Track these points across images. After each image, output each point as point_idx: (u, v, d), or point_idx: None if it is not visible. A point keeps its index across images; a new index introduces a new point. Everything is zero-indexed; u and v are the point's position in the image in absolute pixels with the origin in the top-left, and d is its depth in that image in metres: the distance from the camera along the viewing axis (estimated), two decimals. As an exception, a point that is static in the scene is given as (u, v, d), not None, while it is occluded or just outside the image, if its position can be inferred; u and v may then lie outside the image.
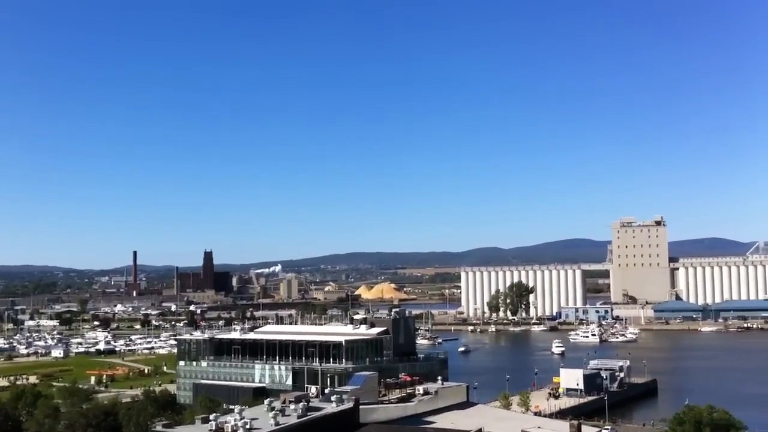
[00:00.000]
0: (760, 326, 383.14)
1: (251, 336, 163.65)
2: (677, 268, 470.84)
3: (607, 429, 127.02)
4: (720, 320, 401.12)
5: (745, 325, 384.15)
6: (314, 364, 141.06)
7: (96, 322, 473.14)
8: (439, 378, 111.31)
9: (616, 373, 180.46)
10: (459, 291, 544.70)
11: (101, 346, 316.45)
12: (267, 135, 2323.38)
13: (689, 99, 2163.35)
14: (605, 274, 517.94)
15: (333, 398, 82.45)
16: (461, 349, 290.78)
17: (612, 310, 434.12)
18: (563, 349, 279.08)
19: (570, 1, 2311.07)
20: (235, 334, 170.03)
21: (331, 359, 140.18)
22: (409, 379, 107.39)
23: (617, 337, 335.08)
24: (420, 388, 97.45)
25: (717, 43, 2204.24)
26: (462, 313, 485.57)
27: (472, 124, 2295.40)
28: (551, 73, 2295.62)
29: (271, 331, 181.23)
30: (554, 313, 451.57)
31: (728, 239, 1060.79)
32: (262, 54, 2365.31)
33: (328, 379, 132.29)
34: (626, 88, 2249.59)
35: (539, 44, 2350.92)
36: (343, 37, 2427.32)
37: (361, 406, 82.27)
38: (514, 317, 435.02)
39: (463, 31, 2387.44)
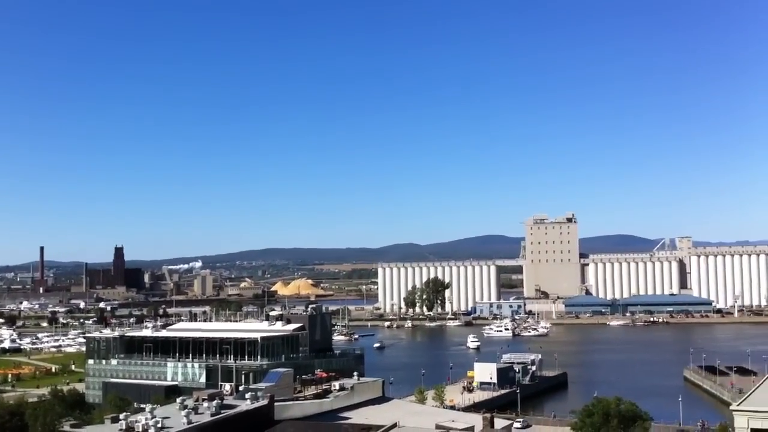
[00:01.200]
0: (665, 320, 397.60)
1: (163, 333, 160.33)
2: (587, 264, 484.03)
3: (519, 421, 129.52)
4: (628, 314, 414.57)
5: (651, 319, 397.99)
6: (229, 361, 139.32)
7: (1, 320, 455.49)
8: (355, 374, 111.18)
9: (528, 367, 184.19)
10: (376, 287, 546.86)
11: (6, 345, 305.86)
12: (177, 129, 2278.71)
13: (597, 98, 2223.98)
14: (519, 269, 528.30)
15: (247, 396, 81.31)
16: (376, 345, 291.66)
17: (525, 304, 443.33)
18: (479, 343, 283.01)
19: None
20: (147, 332, 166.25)
21: (246, 356, 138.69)
22: (325, 375, 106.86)
23: (530, 332, 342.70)
24: (336, 384, 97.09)
25: (620, 43, 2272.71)
26: (379, 308, 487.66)
27: (382, 121, 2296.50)
28: (460, 72, 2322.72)
29: (184, 329, 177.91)
30: (469, 308, 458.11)
31: (636, 236, 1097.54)
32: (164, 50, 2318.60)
33: (243, 377, 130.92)
34: (536, 87, 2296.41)
35: (446, 42, 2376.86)
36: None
37: (276, 403, 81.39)
38: (430, 312, 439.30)
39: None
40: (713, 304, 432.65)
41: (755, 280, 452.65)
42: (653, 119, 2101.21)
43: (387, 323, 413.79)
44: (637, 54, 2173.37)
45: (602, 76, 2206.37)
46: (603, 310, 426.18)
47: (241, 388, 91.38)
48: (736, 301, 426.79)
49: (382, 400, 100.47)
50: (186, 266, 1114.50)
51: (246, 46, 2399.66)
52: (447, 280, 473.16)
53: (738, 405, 52.65)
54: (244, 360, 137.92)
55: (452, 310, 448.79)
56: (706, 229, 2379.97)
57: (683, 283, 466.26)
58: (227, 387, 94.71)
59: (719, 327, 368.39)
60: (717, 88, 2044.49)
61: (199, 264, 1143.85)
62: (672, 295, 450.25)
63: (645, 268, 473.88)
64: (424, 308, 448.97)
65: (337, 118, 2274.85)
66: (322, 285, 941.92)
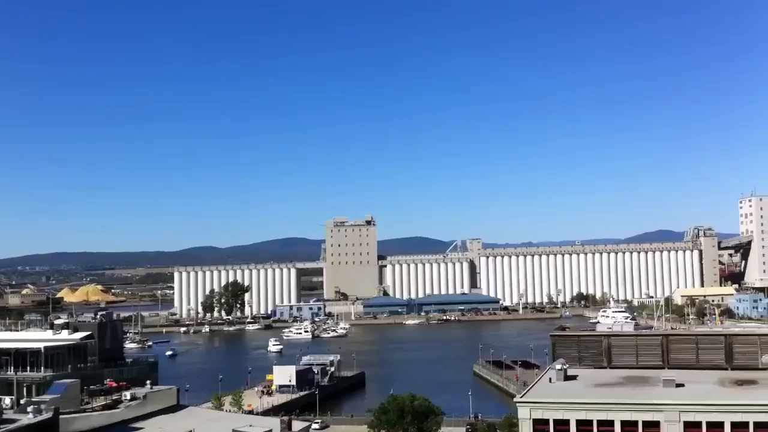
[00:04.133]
0: (457, 318, 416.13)
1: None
2: (385, 266, 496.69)
3: (318, 422, 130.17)
4: (423, 313, 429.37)
5: (444, 318, 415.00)
6: (8, 373, 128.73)
7: None
8: (148, 382, 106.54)
9: (327, 368, 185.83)
10: (172, 292, 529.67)
11: None
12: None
13: (392, 103, 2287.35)
14: (319, 271, 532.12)
15: (30, 409, 75.40)
16: (169, 352, 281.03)
17: (325, 306, 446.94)
18: (281, 347, 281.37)
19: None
20: None
21: (28, 367, 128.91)
22: (115, 385, 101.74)
23: (329, 333, 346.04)
24: (127, 394, 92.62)
25: (427, 54, 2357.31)
26: (175, 314, 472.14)
27: (179, 120, 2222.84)
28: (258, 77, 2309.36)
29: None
30: (269, 312, 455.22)
31: (431, 238, 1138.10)
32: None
33: (25, 389, 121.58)
34: (319, 89, 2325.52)
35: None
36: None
37: (61, 416, 76.21)
38: (229, 317, 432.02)
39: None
40: (500, 302, 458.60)
41: (538, 279, 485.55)
42: (445, 127, 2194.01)
43: (183, 329, 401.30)
44: (423, 54, 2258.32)
45: (391, 77, 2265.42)
46: (400, 310, 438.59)
47: (22, 402, 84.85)
48: (521, 299, 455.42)
49: (176, 408, 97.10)
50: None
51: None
52: (247, 284, 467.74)
53: (521, 397, 55.39)
54: (26, 371, 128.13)
55: (252, 314, 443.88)
56: (494, 232, 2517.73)
57: (474, 283, 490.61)
58: (7, 400, 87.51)
59: (506, 324, 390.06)
60: (501, 95, 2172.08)
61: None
62: (463, 294, 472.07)
63: (439, 269, 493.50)
64: (223, 312, 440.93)
65: (138, 115, 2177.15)
66: (113, 291, 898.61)
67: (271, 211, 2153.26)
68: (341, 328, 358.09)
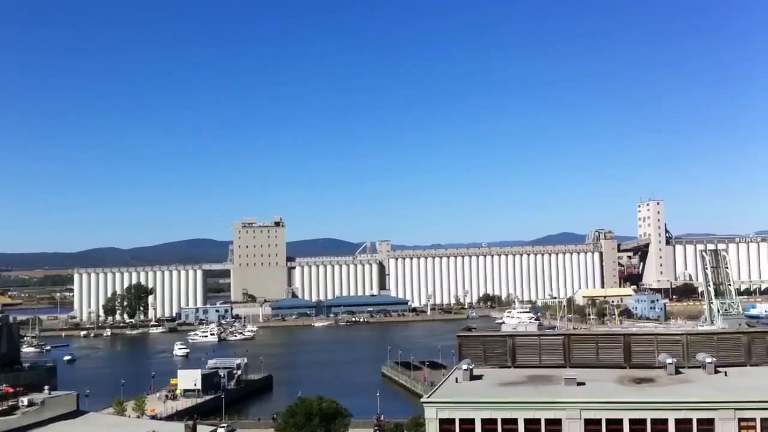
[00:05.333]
0: (366, 320, 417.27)
1: None
2: (294, 267, 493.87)
3: (224, 427, 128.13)
4: (331, 315, 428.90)
5: (353, 319, 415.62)
6: None
7: None
8: (47, 388, 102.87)
9: (234, 371, 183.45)
10: (72, 294, 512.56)
11: None
12: None
13: (305, 103, 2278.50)
14: (227, 273, 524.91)
15: None
16: (68, 357, 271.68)
17: (232, 308, 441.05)
18: (187, 350, 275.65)
19: None
20: None
21: None
22: (11, 390, 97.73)
23: (236, 336, 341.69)
24: (24, 400, 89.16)
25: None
26: (75, 317, 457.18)
27: (84, 118, 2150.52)
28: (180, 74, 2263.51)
29: None
30: (174, 314, 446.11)
31: (341, 240, 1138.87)
32: None
33: None
34: (247, 83, 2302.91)
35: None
36: None
37: (-51, 426, 72.77)
38: (132, 320, 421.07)
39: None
40: (409, 303, 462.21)
41: (446, 281, 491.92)
42: (353, 129, 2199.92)
43: (83, 333, 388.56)
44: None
45: (297, 75, 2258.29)
46: (308, 312, 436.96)
47: None
48: (429, 300, 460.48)
49: (76, 414, 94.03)
50: None
51: None
52: (150, 286, 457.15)
53: (428, 397, 55.82)
54: None
55: (156, 317, 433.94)
56: (403, 234, 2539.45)
57: (383, 284, 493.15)
58: None
59: (414, 325, 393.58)
60: (406, 97, 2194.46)
61: None
62: (372, 295, 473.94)
63: (348, 271, 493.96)
64: (126, 316, 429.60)
65: (35, 109, 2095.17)
66: (9, 293, 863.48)
67: (176, 212, 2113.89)
68: (249, 331, 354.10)
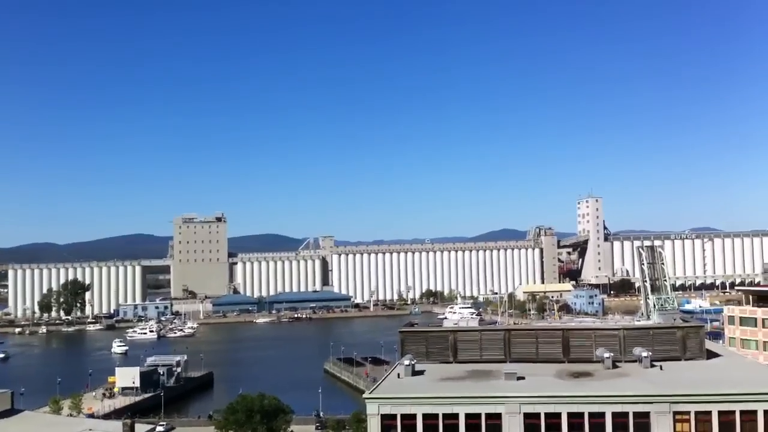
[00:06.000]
0: (308, 316, 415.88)
1: None
2: (236, 263, 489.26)
3: (162, 425, 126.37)
4: (274, 311, 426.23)
5: (296, 315, 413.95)
6: None
7: None
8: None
9: (174, 369, 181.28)
10: (6, 290, 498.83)
11: None
12: None
13: (250, 98, 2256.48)
14: (166, 269, 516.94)
15: None
16: (1, 355, 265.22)
17: (172, 305, 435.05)
18: (126, 348, 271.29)
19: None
20: None
21: None
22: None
23: (176, 333, 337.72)
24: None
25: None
26: (9, 314, 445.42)
27: (10, 111, 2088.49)
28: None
29: None
30: (112, 311, 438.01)
31: (284, 236, 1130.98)
32: None
33: None
34: (190, 77, 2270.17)
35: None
36: None
37: None
38: (69, 317, 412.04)
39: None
40: (352, 299, 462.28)
41: (389, 277, 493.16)
42: (296, 125, 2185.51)
43: (18, 330, 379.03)
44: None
45: (244, 72, 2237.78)
46: (250, 308, 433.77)
47: None
48: (372, 296, 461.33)
49: (11, 413, 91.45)
50: None
51: None
52: (88, 282, 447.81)
53: (370, 393, 55.72)
54: None
55: (93, 314, 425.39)
56: (346, 230, 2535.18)
57: (326, 280, 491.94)
58: None
59: (357, 321, 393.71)
60: (351, 95, 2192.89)
61: None
62: (315, 291, 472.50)
63: (291, 267, 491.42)
64: (62, 312, 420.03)
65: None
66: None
67: (115, 207, 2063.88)
68: (189, 328, 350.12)
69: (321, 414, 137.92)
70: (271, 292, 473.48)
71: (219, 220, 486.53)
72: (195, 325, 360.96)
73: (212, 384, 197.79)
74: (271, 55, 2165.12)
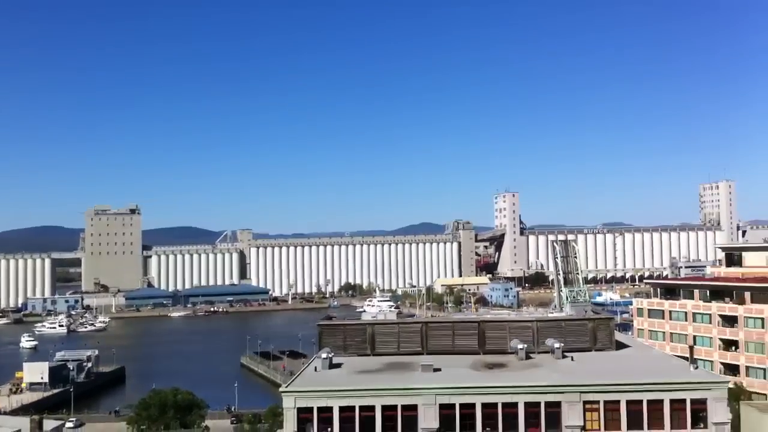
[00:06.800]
0: (225, 309, 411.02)
1: None
2: (151, 256, 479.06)
3: (72, 421, 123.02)
4: (189, 305, 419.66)
5: (212, 309, 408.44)
6: None
7: None
8: None
9: (84, 364, 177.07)
10: None
11: None
12: None
13: (164, 89, 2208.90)
14: (77, 262, 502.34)
15: None
16: None
17: (83, 299, 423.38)
18: (36, 342, 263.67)
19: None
20: None
21: None
22: None
23: (87, 327, 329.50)
24: None
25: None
26: None
27: None
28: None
29: None
30: (20, 305, 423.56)
31: (201, 228, 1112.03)
32: None
33: None
34: (103, 66, 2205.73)
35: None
36: None
37: None
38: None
39: None
40: (270, 292, 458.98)
41: (308, 270, 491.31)
42: (212, 118, 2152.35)
43: None
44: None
45: (155, 61, 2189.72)
46: (165, 302, 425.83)
47: None
48: (290, 289, 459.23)
49: None
50: None
51: None
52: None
53: (286, 386, 55.32)
54: None
55: (0, 308, 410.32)
56: (266, 222, 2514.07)
57: (243, 274, 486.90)
58: None
59: (276, 314, 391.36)
60: (267, 90, 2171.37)
61: None
62: (232, 285, 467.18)
63: (207, 260, 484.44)
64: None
65: None
66: None
67: (23, 197, 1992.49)
68: (100, 322, 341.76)
69: (233, 408, 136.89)
70: (187, 286, 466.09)
71: (133, 211, 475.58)
72: (107, 320, 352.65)
73: (124, 379, 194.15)
74: (172, 43, 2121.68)
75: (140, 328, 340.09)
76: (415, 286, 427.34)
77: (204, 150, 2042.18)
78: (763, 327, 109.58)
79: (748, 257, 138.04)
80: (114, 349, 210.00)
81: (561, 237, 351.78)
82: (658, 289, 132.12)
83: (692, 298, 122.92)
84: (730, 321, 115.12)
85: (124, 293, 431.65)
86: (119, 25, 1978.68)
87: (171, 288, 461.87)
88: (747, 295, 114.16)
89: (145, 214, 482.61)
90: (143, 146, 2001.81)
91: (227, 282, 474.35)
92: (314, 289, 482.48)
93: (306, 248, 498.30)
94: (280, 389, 55.83)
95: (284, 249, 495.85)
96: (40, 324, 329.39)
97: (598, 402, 53.17)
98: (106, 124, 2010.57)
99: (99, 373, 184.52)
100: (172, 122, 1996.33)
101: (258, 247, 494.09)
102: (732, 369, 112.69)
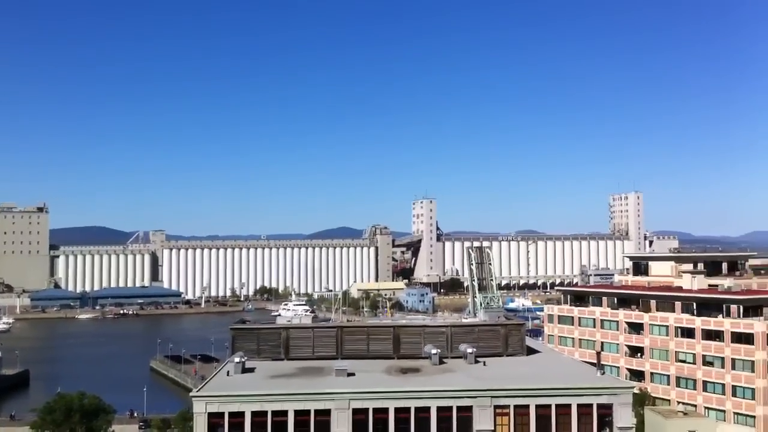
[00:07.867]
0: (135, 312, 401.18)
1: None
2: (58, 256, 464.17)
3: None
4: (98, 307, 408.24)
5: (122, 312, 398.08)
6: None
7: None
8: None
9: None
10: None
11: None
12: None
13: (82, 86, 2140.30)
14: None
15: None
16: None
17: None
18: None
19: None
20: None
21: None
22: None
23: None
24: None
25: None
26: None
27: None
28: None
29: None
30: None
31: (112, 228, 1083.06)
32: None
33: None
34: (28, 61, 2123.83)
35: None
36: None
37: None
38: None
39: None
40: (183, 295, 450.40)
41: (222, 273, 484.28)
42: (126, 116, 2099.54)
43: None
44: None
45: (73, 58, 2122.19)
46: (72, 304, 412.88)
47: None
48: (204, 293, 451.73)
49: None
50: None
51: None
52: None
53: (197, 391, 54.36)
54: None
55: None
56: (180, 224, 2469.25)
57: (155, 276, 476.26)
58: None
59: (188, 317, 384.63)
60: (175, 93, 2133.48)
61: None
62: (143, 287, 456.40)
63: (118, 261, 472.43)
64: None
65: None
66: None
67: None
68: (3, 323, 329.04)
69: (135, 413, 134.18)
70: (96, 288, 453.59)
71: (40, 210, 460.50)
72: (10, 321, 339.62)
73: (28, 382, 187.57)
74: (90, 44, 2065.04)
75: (46, 330, 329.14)
76: (331, 291, 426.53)
77: (117, 149, 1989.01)
78: (667, 334, 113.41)
79: (655, 266, 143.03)
80: (18, 351, 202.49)
81: (476, 244, 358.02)
82: (569, 296, 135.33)
83: (601, 305, 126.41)
84: (636, 328, 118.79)
85: (30, 294, 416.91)
86: (39, 22, 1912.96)
87: (79, 289, 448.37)
88: (653, 303, 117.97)
89: (54, 212, 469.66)
90: (53, 144, 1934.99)
91: (138, 284, 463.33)
92: (229, 293, 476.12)
93: (221, 251, 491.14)
94: (191, 394, 54.86)
95: (198, 251, 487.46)
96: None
97: (508, 407, 54.08)
98: (11, 119, 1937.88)
99: (1, 376, 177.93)
100: (83, 120, 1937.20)
101: (171, 249, 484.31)
102: (637, 375, 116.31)
